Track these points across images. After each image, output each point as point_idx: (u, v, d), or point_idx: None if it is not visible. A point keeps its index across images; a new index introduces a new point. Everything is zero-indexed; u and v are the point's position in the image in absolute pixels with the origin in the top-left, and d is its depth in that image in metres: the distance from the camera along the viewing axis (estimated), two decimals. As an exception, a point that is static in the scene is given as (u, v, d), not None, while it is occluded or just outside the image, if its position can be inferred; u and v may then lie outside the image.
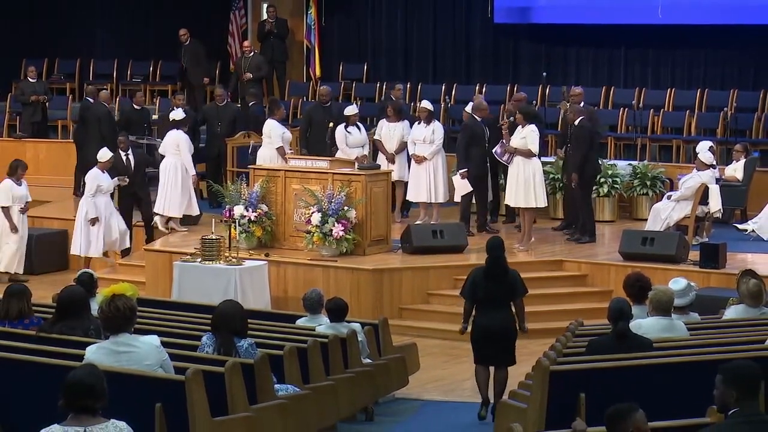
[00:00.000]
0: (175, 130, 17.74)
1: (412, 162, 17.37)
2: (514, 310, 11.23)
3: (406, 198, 17.89)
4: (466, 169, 16.70)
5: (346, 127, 17.85)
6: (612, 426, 6.44)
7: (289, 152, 17.25)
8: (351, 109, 18.22)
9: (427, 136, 17.22)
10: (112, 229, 16.86)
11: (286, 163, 16.58)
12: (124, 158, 17.17)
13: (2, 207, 16.91)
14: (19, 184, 16.99)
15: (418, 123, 17.42)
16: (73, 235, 17.12)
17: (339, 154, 17.34)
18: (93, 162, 17.02)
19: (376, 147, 18.06)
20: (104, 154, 16.72)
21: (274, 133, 17.39)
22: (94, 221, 16.56)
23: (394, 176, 17.53)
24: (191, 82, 22.24)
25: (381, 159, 17.72)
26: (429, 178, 17.20)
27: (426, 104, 17.64)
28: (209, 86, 21.94)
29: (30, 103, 22.01)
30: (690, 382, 8.13)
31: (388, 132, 17.89)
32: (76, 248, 16.92)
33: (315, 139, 18.17)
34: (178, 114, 17.98)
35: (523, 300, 11.37)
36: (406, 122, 17.91)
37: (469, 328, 11.29)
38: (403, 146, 17.78)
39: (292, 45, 22.86)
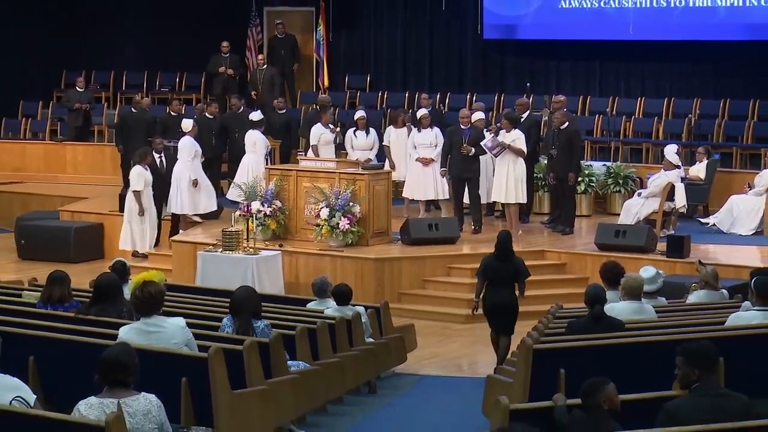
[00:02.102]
0: (253, 130, 17.69)
1: (415, 163, 17.31)
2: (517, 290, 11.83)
3: (404, 195, 17.79)
4: (445, 168, 16.73)
5: (354, 131, 17.84)
6: (586, 398, 6.46)
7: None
8: (360, 114, 18.20)
9: (431, 140, 17.20)
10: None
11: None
12: (157, 159, 17.16)
13: (134, 191, 16.73)
14: (146, 169, 16.77)
15: (419, 130, 17.36)
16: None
17: (348, 157, 17.38)
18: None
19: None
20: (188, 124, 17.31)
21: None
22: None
23: (403, 177, 17.60)
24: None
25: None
26: (436, 178, 17.16)
27: (425, 112, 17.64)
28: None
29: (75, 110, 22.01)
30: (657, 359, 8.13)
31: (396, 138, 17.90)
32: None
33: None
34: (256, 115, 18.01)
35: (525, 282, 11.87)
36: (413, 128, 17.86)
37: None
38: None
39: (299, 57, 22.83)
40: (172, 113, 19.32)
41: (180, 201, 17.23)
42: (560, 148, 16.24)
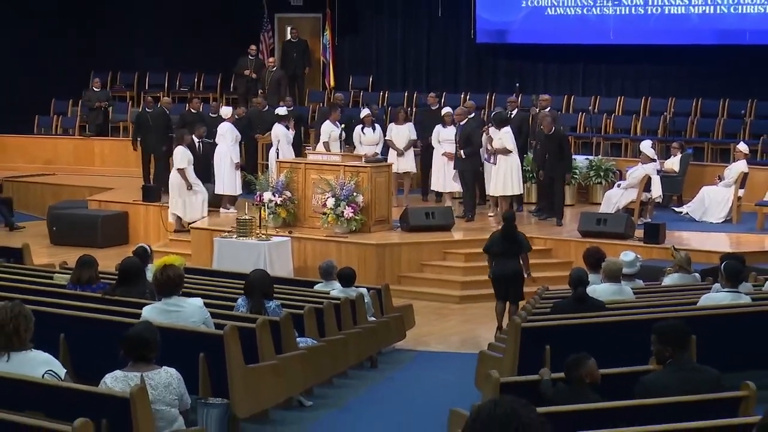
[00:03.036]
0: (278, 124, 17.66)
1: (440, 157, 17.24)
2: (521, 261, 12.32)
3: (432, 188, 17.86)
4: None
5: (362, 128, 17.81)
6: (569, 372, 6.47)
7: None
8: (366, 112, 18.18)
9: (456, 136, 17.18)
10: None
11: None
12: (197, 144, 17.31)
13: (179, 169, 16.74)
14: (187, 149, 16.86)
15: (444, 126, 17.30)
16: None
17: (356, 152, 17.35)
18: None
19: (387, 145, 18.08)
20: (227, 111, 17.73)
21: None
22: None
23: (404, 168, 17.58)
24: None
25: (392, 154, 17.68)
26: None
27: (449, 110, 17.59)
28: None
29: (95, 108, 22.00)
30: (635, 336, 8.12)
31: (398, 133, 17.91)
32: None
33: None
34: (282, 110, 18.01)
35: (527, 254, 12.42)
36: (411, 124, 17.90)
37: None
38: (410, 144, 17.74)
39: (310, 60, 22.82)
40: (192, 110, 19.30)
41: (223, 181, 17.26)
42: (551, 152, 16.20)
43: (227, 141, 17.51)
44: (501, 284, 12.27)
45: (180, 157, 16.77)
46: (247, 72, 21.83)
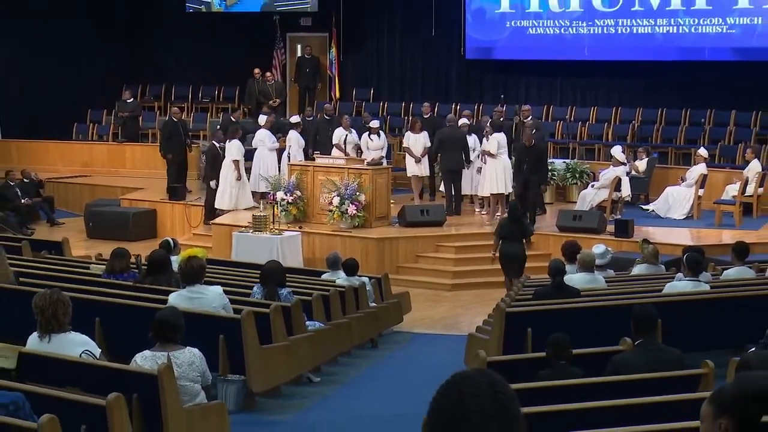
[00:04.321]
0: (292, 130, 17.57)
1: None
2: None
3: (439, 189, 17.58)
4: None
5: (369, 135, 17.65)
6: (559, 351, 6.47)
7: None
8: (374, 123, 18.04)
9: (472, 144, 16.92)
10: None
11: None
12: (219, 147, 17.11)
13: (234, 160, 16.62)
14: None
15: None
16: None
17: (364, 156, 17.28)
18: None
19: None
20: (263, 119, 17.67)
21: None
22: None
23: (420, 173, 17.42)
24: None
25: (409, 160, 17.45)
26: (472, 174, 17.01)
27: (465, 121, 17.34)
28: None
29: (125, 117, 21.95)
30: (607, 320, 8.13)
31: (415, 141, 17.55)
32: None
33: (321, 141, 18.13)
34: (294, 119, 18.06)
35: (530, 238, 13.21)
36: (425, 133, 17.55)
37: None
38: (426, 151, 17.43)
39: (322, 74, 22.76)
40: (233, 119, 19.12)
41: (260, 182, 17.16)
42: (529, 163, 15.86)
43: (265, 146, 17.48)
44: (506, 263, 12.87)
45: (236, 150, 16.65)
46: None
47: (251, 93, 21.58)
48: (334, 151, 17.33)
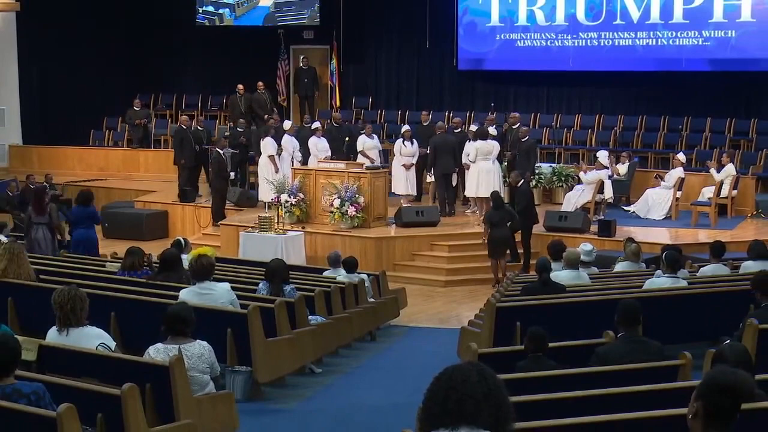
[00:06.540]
0: (287, 136, 17.54)
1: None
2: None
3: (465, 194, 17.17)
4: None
5: (402, 141, 17.47)
6: (539, 344, 6.45)
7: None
8: (405, 128, 17.90)
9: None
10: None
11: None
12: (229, 154, 17.13)
13: (269, 156, 16.82)
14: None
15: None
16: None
17: (395, 160, 17.16)
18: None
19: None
20: (287, 124, 17.88)
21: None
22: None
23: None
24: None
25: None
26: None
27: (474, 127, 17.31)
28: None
29: (136, 125, 21.93)
30: (591, 314, 8.13)
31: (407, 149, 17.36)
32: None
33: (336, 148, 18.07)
34: (287, 124, 18.13)
35: (516, 224, 14.07)
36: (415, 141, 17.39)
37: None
38: (418, 153, 17.27)
39: (319, 84, 22.75)
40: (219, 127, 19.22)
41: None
42: (523, 157, 15.99)
43: (287, 150, 17.44)
44: (493, 246, 13.80)
45: (270, 147, 16.86)
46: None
47: (234, 107, 21.27)
48: (360, 158, 17.16)
